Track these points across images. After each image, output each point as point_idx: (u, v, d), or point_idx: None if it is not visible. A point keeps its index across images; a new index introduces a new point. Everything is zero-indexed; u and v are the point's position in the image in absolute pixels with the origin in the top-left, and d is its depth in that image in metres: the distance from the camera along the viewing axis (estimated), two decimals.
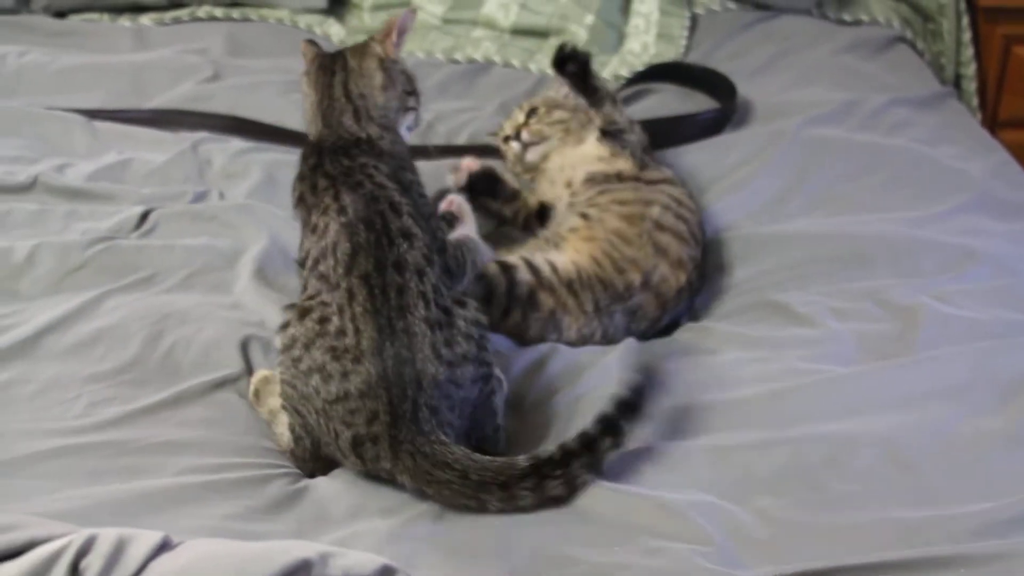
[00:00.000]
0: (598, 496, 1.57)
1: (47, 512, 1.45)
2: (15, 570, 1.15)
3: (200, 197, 2.31)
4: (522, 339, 1.98)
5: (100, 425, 1.71)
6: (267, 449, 1.70)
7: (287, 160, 2.42)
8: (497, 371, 1.74)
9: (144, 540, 1.17)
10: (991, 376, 1.81)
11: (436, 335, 1.62)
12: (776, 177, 2.37)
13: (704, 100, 2.69)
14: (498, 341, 1.89)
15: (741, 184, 2.36)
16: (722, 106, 2.61)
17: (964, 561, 1.45)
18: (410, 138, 1.92)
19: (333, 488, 1.61)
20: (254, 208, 2.25)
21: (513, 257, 2.04)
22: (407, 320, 1.61)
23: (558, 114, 2.33)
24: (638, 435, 1.66)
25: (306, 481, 1.63)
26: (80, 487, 1.59)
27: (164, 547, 1.17)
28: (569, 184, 2.22)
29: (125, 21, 3.08)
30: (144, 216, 2.21)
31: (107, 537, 1.16)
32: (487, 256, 2.00)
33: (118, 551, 1.15)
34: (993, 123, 3.16)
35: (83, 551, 1.15)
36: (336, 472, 1.65)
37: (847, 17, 3.09)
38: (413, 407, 1.58)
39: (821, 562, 1.45)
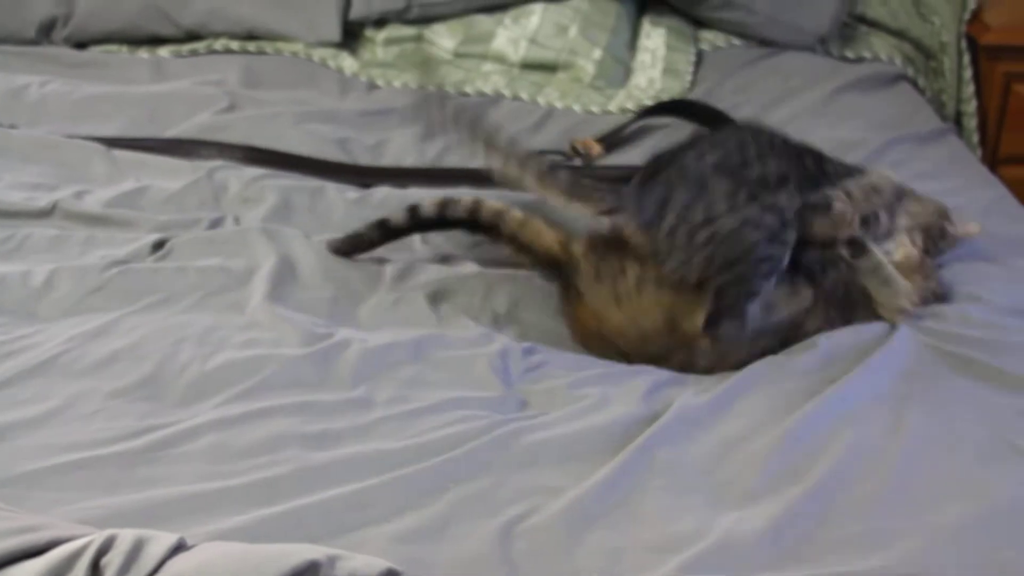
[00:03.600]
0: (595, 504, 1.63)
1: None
2: (39, 566, 1.20)
3: (216, 223, 2.37)
4: None
5: (117, 438, 1.76)
6: (280, 452, 1.75)
7: (302, 186, 2.50)
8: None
9: (161, 541, 1.22)
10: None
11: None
12: None
13: None
14: None
15: None
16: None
17: None
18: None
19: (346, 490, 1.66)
20: (267, 230, 2.31)
21: None
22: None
23: None
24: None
25: (316, 490, 1.68)
26: (98, 498, 1.63)
27: (180, 548, 1.23)
28: None
29: (143, 53, 3.15)
30: (160, 244, 2.27)
31: (126, 537, 1.21)
32: None
33: (136, 550, 1.20)
34: (994, 160, 3.22)
35: (103, 549, 1.20)
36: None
37: (850, 54, 3.16)
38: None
39: None
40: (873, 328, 2.04)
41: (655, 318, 2.01)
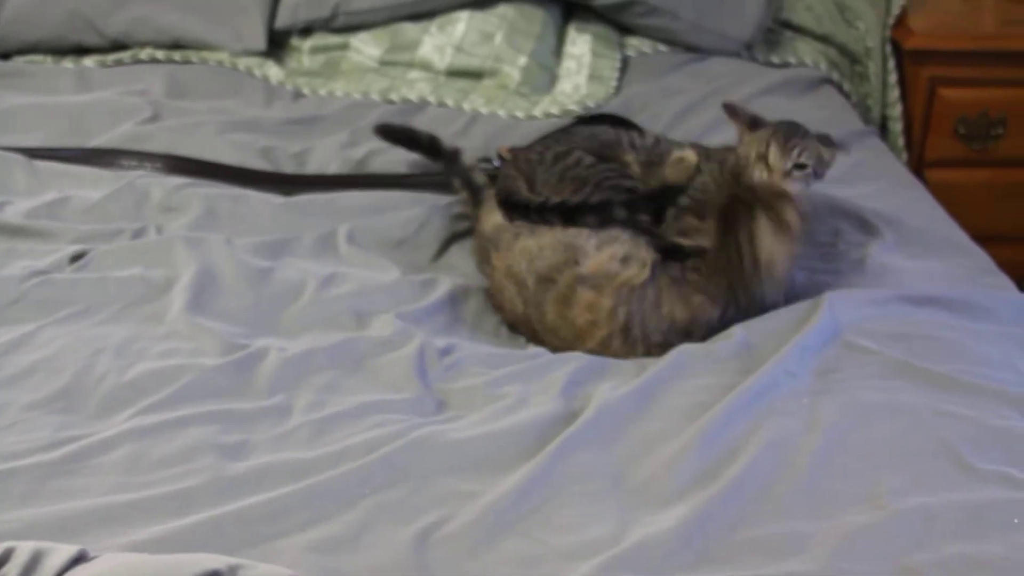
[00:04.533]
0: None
1: None
2: None
3: (138, 233, 2.35)
4: None
5: (32, 450, 1.75)
6: (196, 462, 1.74)
7: (226, 194, 2.49)
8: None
9: (60, 552, 1.22)
10: None
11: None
12: None
13: None
14: None
15: None
16: None
17: None
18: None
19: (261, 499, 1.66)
20: (188, 238, 2.29)
21: None
22: None
23: None
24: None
25: (232, 499, 1.67)
26: (12, 511, 1.63)
27: (80, 559, 1.22)
28: None
29: (68, 63, 3.11)
30: (81, 255, 2.26)
31: (25, 548, 1.21)
32: None
33: (35, 561, 1.20)
34: (920, 163, 3.25)
35: (1, 562, 1.20)
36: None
37: (775, 60, 3.17)
38: None
39: None
40: (790, 317, 2.07)
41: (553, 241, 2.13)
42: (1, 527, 1.58)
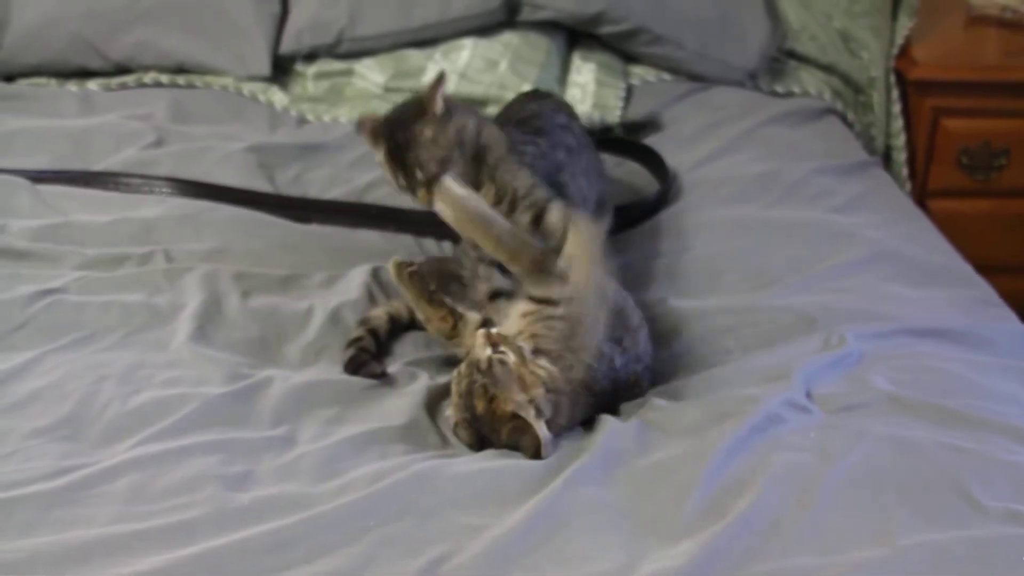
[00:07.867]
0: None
1: None
2: None
3: (145, 259, 2.35)
4: None
5: (34, 479, 1.74)
6: (199, 492, 1.73)
7: (236, 220, 2.49)
8: None
9: None
10: None
11: None
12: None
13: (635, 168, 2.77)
14: None
15: None
16: (661, 188, 2.66)
17: None
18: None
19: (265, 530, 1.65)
20: (194, 267, 2.29)
21: None
22: None
23: None
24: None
25: (235, 530, 1.66)
26: (14, 540, 1.63)
27: None
28: None
29: (72, 86, 3.12)
30: (85, 280, 2.25)
31: None
32: None
33: None
34: (923, 193, 3.25)
35: None
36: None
37: (779, 89, 3.17)
38: None
39: None
40: (790, 350, 2.07)
41: None
42: (3, 557, 1.58)
